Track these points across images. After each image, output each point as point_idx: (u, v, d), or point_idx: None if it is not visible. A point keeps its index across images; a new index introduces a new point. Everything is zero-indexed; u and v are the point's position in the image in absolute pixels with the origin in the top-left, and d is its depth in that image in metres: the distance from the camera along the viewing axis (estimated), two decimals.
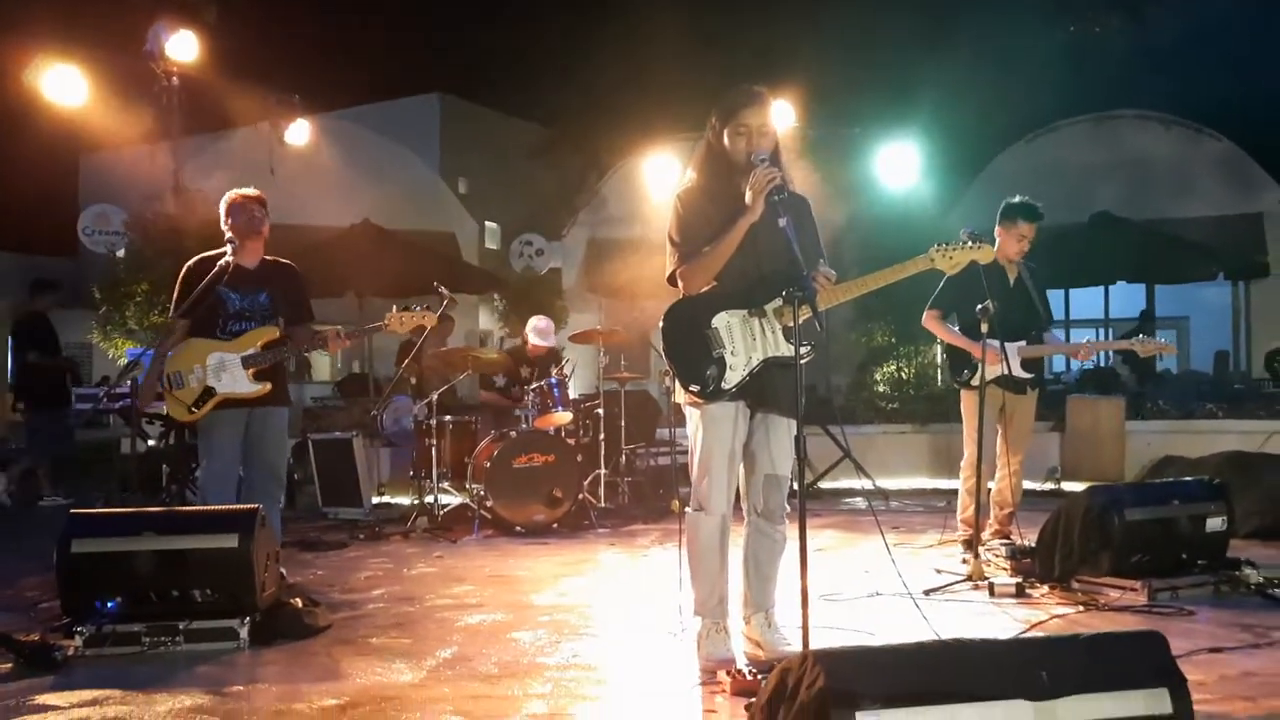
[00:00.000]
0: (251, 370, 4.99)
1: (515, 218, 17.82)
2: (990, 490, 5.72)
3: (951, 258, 3.75)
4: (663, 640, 4.07)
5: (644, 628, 4.30)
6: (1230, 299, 14.96)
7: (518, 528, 7.00)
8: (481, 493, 7.09)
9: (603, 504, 7.93)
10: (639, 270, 10.05)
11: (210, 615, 4.03)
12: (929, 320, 5.81)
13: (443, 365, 7.94)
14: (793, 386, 3.36)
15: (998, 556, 5.33)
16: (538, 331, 8.35)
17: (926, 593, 4.72)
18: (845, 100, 14.50)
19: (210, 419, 4.98)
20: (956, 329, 5.75)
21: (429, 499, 7.48)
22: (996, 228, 5.65)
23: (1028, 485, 6.22)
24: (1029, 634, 4.02)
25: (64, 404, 9.28)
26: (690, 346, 3.63)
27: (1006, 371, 5.50)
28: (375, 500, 8.54)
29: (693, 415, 3.73)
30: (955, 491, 6.04)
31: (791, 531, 3.52)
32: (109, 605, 4.02)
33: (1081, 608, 4.46)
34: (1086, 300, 17.35)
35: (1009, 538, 5.67)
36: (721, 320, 3.62)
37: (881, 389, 11.68)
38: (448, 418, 7.68)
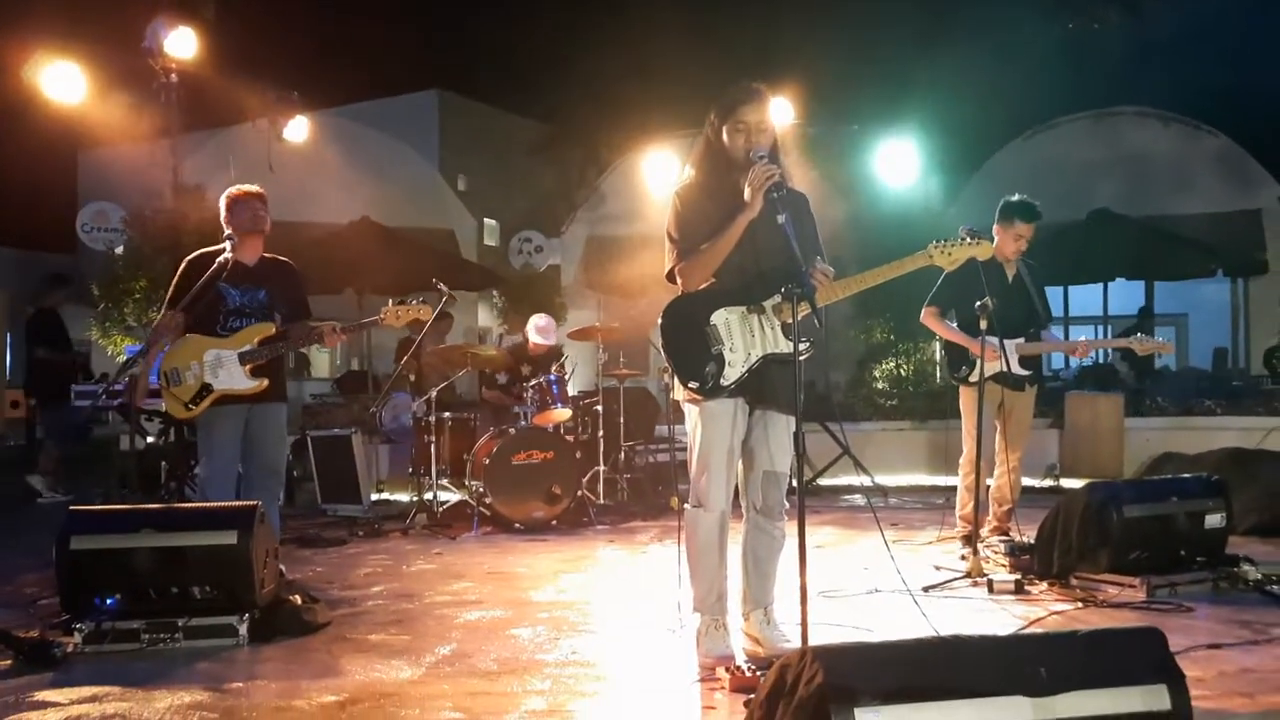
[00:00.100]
0: (248, 366, 4.99)
1: (514, 214, 17.78)
2: (989, 487, 5.73)
3: (950, 254, 3.76)
4: (662, 637, 4.07)
5: (643, 624, 4.30)
6: (1229, 296, 14.93)
7: (517, 524, 7.01)
8: (481, 489, 7.09)
9: (602, 501, 7.93)
10: (638, 267, 10.07)
11: (209, 612, 4.03)
12: (927, 317, 5.81)
13: (442, 362, 7.95)
14: (792, 383, 3.36)
15: (996, 553, 5.35)
16: (539, 330, 8.33)
17: (925, 589, 4.73)
18: (844, 97, 14.51)
19: (209, 416, 4.98)
20: (955, 326, 5.75)
21: (428, 496, 7.48)
22: (994, 226, 5.65)
23: (1026, 482, 6.22)
24: (1028, 630, 4.03)
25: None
26: (689, 343, 3.63)
27: (1005, 368, 5.51)
28: (374, 497, 8.54)
29: (691, 412, 3.73)
30: (954, 488, 6.04)
31: (790, 528, 3.53)
32: (108, 602, 4.03)
33: (1080, 604, 4.47)
34: (1085, 297, 17.31)
35: (1008, 534, 5.68)
36: (720, 317, 3.62)
37: (880, 386, 11.70)
38: (447, 414, 7.69)
